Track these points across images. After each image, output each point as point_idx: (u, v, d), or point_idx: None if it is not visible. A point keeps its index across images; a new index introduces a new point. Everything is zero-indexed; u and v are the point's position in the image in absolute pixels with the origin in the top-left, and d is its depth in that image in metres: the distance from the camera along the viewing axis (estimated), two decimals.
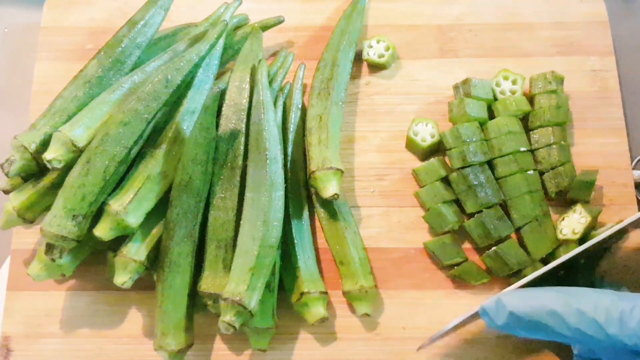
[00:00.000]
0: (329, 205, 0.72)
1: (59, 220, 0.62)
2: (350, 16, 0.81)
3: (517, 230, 0.71)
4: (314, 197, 0.73)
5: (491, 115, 0.75)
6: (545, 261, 0.69)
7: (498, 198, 0.71)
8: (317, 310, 0.66)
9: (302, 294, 0.66)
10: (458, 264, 0.70)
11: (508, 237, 0.70)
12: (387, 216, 0.74)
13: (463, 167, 0.71)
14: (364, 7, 0.82)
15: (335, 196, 0.68)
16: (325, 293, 0.67)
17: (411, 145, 0.76)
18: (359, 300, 0.68)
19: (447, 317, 0.69)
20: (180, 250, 0.65)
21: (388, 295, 0.71)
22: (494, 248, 0.69)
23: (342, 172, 0.70)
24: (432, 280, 0.71)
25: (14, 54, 0.85)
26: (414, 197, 0.74)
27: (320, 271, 0.71)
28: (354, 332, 0.69)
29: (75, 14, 0.84)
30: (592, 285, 0.63)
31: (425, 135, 0.75)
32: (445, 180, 0.73)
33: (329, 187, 0.69)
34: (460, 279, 0.70)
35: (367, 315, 0.67)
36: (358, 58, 0.80)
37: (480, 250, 0.71)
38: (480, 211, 0.70)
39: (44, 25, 0.83)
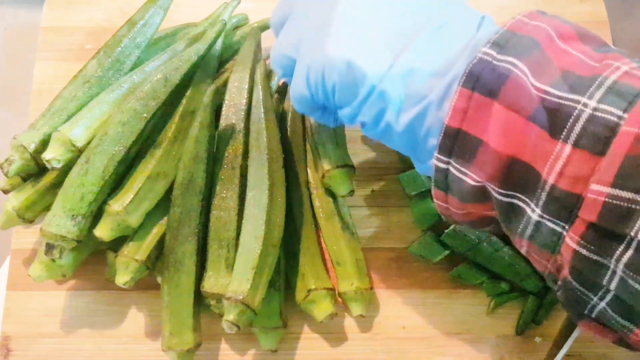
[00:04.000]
0: (328, 205, 0.72)
1: (59, 220, 0.62)
2: None
3: None
4: (312, 196, 0.73)
5: None
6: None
7: None
8: (325, 307, 0.65)
9: (309, 291, 0.66)
10: (456, 265, 0.70)
11: None
12: (387, 216, 0.74)
13: None
14: None
15: (352, 193, 0.69)
16: (332, 289, 0.67)
17: None
18: (354, 301, 0.67)
19: (447, 317, 0.69)
20: (185, 250, 0.65)
21: (388, 295, 0.71)
22: (452, 226, 0.68)
23: (355, 169, 0.70)
24: (432, 280, 0.71)
25: (14, 54, 0.85)
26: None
27: (326, 269, 0.70)
28: (354, 332, 0.69)
29: (75, 14, 0.84)
30: None
31: None
32: None
33: (346, 184, 0.69)
34: (460, 279, 0.70)
35: (362, 316, 0.67)
36: None
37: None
38: None
39: (44, 25, 0.83)
